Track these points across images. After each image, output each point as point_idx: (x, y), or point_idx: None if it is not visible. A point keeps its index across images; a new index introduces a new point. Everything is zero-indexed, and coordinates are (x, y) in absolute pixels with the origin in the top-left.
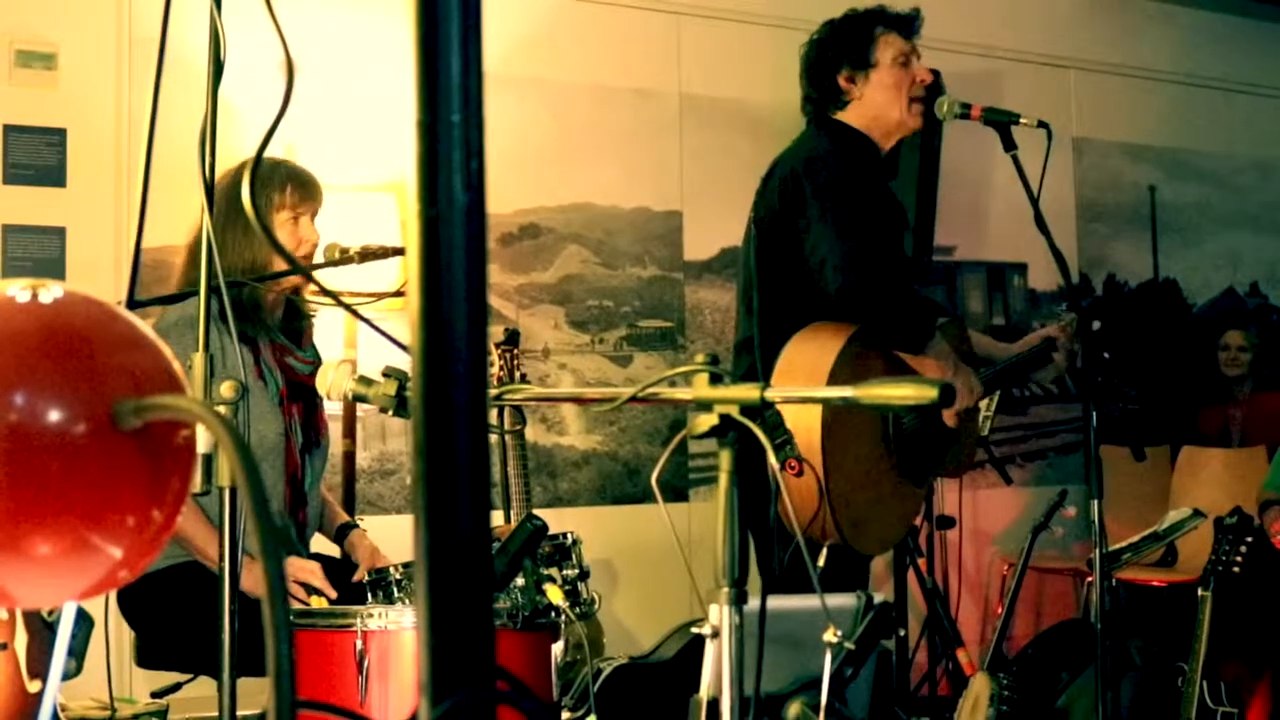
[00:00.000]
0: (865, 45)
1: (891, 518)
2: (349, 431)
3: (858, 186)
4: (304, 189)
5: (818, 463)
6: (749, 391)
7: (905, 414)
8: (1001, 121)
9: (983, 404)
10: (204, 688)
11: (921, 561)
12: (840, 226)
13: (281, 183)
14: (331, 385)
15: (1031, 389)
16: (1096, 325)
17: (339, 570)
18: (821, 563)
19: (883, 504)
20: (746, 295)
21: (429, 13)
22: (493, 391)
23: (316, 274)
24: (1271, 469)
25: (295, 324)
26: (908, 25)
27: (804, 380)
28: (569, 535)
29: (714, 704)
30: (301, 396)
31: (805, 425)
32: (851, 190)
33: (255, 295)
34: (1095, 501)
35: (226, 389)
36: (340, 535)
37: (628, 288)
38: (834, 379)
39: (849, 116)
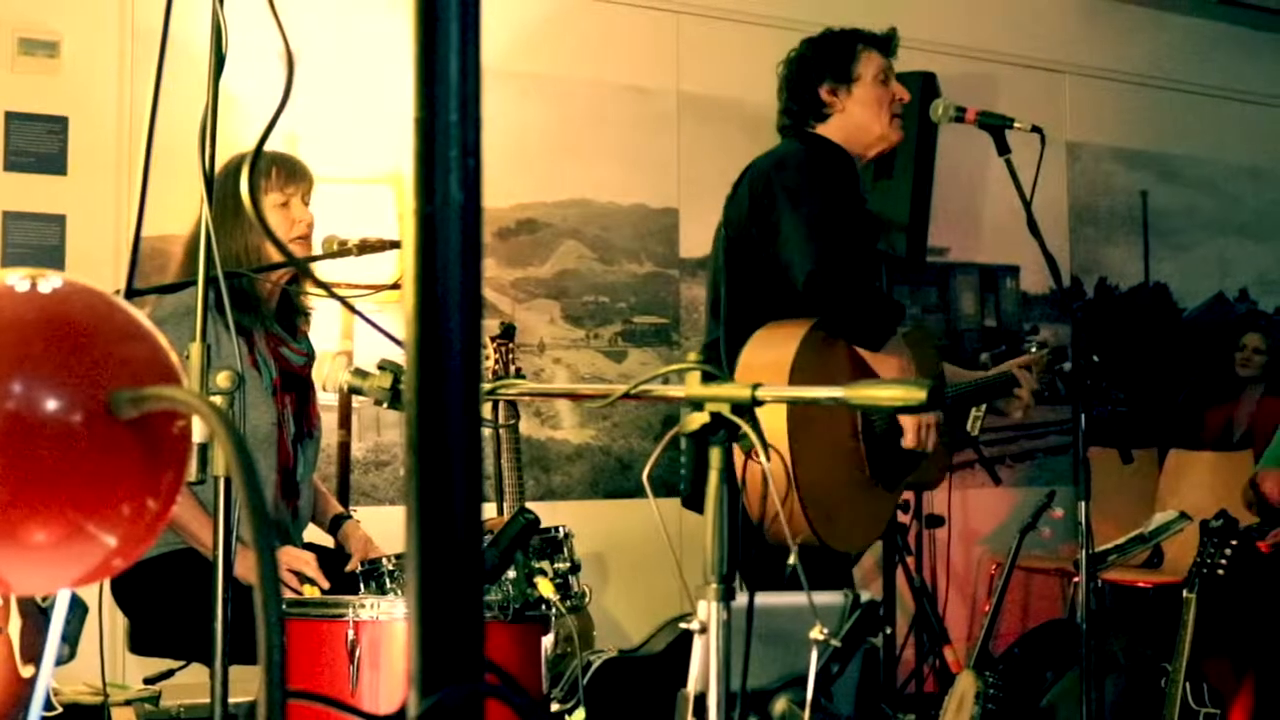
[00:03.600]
0: (848, 60)
1: (864, 518)
2: (344, 422)
3: (828, 187)
4: (289, 171)
5: (785, 452)
6: (741, 390)
7: (875, 417)
8: (996, 125)
9: (973, 406)
10: (196, 675)
11: (910, 560)
12: (810, 219)
13: (266, 168)
14: (327, 377)
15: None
16: (1067, 366)
17: (332, 560)
18: (793, 560)
19: (854, 503)
20: (714, 299)
21: (429, 12)
22: (487, 386)
23: (314, 265)
24: (1261, 463)
25: (291, 315)
26: (886, 44)
27: (767, 379)
28: (561, 529)
29: (701, 699)
30: (294, 387)
31: (770, 415)
32: (821, 188)
33: (251, 285)
34: (1083, 503)
35: (223, 379)
36: (334, 526)
37: (623, 283)
38: (795, 375)
39: (829, 130)
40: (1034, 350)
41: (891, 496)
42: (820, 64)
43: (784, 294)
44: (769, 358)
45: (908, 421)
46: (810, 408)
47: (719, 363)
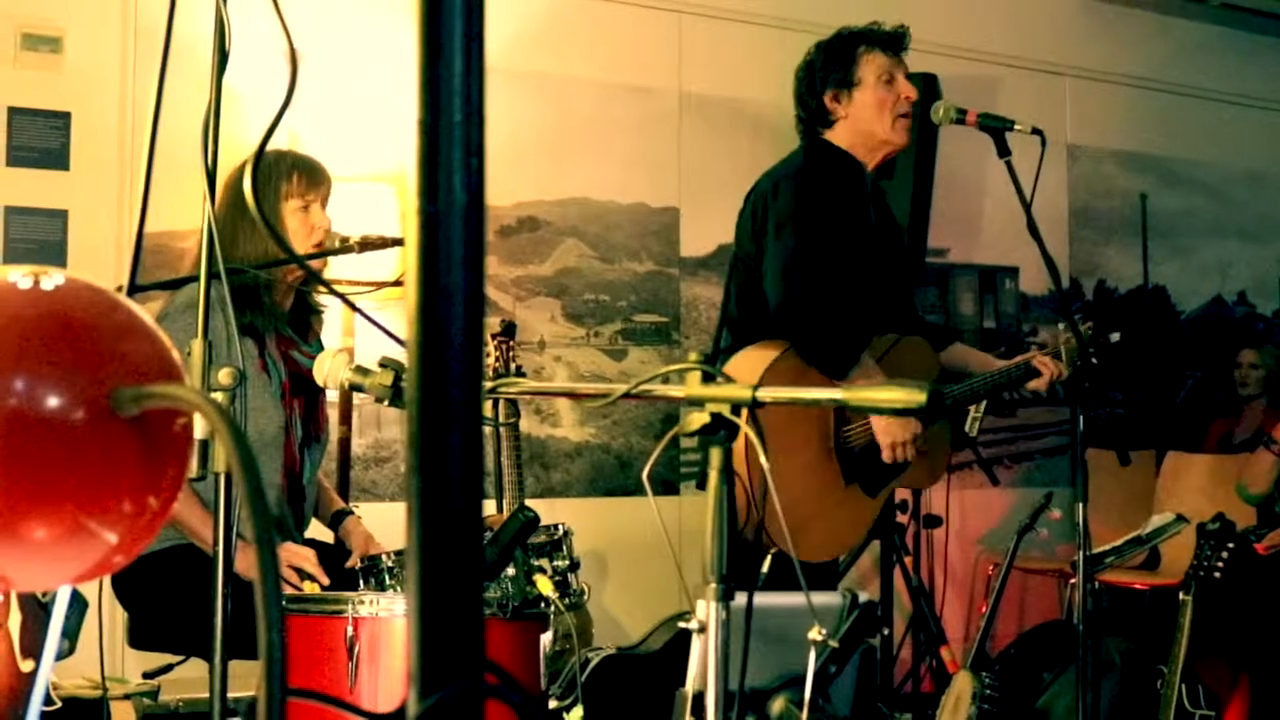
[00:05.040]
0: (849, 65)
1: (839, 525)
2: (345, 419)
3: (820, 206)
4: (311, 176)
5: (743, 473)
6: (740, 391)
7: (844, 429)
8: (996, 127)
9: (972, 406)
10: (195, 669)
11: (908, 560)
12: (788, 246)
13: (288, 172)
14: (328, 374)
15: (1020, 391)
16: (1116, 337)
17: (332, 556)
18: (765, 568)
19: (826, 513)
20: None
21: (433, 14)
22: (488, 384)
23: (318, 263)
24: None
25: (304, 318)
26: (893, 43)
27: None
28: (560, 527)
29: (699, 698)
30: (304, 390)
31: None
32: (810, 210)
33: (265, 288)
34: (1080, 504)
35: (224, 376)
36: (335, 521)
37: (624, 282)
38: None
39: (836, 135)
40: (1067, 330)
41: (874, 502)
42: (824, 70)
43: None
44: (739, 376)
45: (883, 439)
46: (778, 423)
47: None
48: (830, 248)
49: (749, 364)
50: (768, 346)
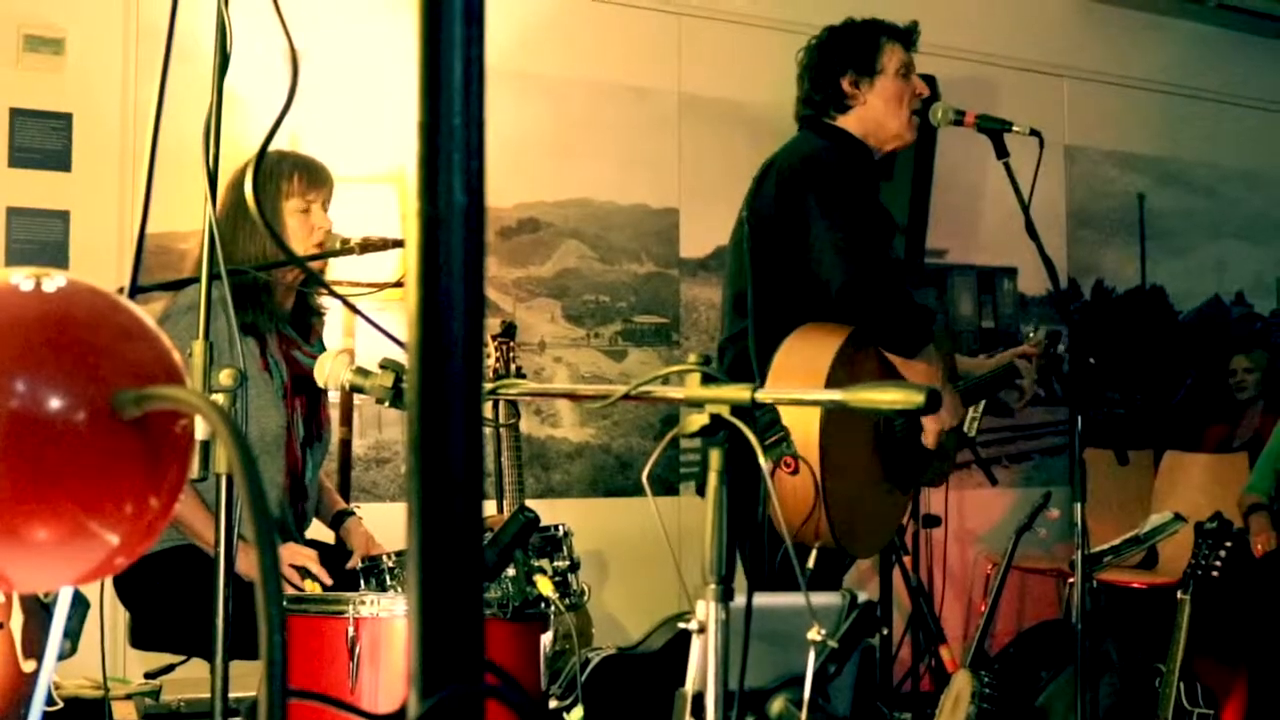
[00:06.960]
0: (872, 52)
1: (880, 522)
2: (346, 419)
3: (860, 184)
4: (312, 177)
5: (815, 461)
6: (740, 392)
7: (897, 420)
8: (994, 129)
9: (970, 407)
10: (197, 669)
11: (907, 559)
12: (842, 223)
13: (290, 172)
14: (329, 375)
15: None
16: (1061, 349)
17: (334, 557)
18: (811, 564)
19: (873, 508)
20: (737, 293)
21: (433, 15)
22: (488, 385)
23: (319, 265)
24: (1254, 473)
25: (306, 318)
26: (908, 37)
27: (800, 382)
28: (560, 527)
29: (699, 698)
30: (306, 390)
31: (803, 424)
32: (852, 192)
33: (266, 288)
34: (1078, 504)
35: (225, 377)
36: (336, 522)
37: (624, 283)
38: (831, 381)
39: (847, 122)
40: (1031, 336)
41: (905, 499)
42: (843, 54)
43: (813, 289)
44: (804, 364)
45: (928, 422)
46: (841, 416)
47: (742, 356)
48: (877, 227)
49: (811, 349)
50: (824, 331)
